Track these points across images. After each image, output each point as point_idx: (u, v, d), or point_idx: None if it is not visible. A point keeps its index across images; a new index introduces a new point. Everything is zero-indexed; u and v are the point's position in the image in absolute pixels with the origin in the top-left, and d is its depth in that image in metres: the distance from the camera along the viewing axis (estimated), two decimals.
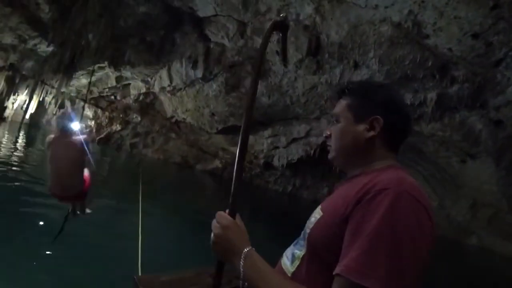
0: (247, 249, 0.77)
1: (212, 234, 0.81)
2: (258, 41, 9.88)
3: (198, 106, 12.88)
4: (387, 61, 6.91)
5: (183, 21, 10.44)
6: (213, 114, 12.96)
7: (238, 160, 0.90)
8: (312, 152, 11.66)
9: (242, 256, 0.76)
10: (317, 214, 0.86)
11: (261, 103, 11.58)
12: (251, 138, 13.90)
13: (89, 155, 3.40)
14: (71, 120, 3.58)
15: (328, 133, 0.97)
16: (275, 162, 13.23)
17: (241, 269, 0.75)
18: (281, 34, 1.06)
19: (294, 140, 12.20)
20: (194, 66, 11.53)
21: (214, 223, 0.82)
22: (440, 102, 7.12)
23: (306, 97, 10.38)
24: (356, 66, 7.86)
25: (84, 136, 3.49)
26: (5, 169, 7.10)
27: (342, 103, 0.92)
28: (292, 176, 13.74)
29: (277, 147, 12.89)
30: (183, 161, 15.04)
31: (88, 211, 3.76)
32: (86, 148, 3.39)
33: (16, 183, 6.15)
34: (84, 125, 14.67)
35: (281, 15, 1.01)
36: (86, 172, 3.49)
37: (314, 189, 13.55)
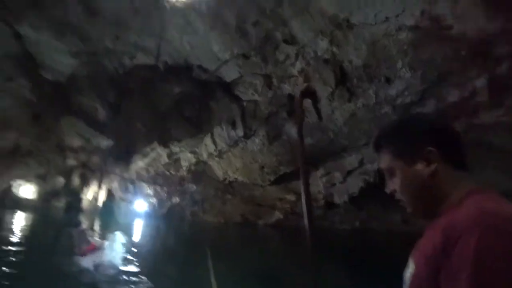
0: None
1: None
2: (286, 88, 10.23)
3: (246, 163, 13.19)
4: (418, 65, 6.60)
5: (214, 90, 11.36)
6: (262, 167, 13.11)
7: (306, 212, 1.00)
8: (372, 180, 10.93)
9: None
10: (410, 267, 0.78)
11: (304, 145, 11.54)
12: None
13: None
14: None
15: (392, 188, 0.90)
16: (336, 200, 12.59)
17: None
18: (310, 100, 1.15)
19: (350, 172, 11.64)
20: (234, 127, 12.14)
21: None
22: (493, 86, 6.39)
23: (348, 126, 10.13)
24: (388, 80, 7.62)
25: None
26: None
27: (385, 156, 0.87)
28: (357, 210, 12.83)
29: (334, 184, 12.36)
30: (243, 219, 14.99)
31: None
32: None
33: None
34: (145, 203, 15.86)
35: (304, 84, 1.10)
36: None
37: (384, 218, 12.38)
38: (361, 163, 11.13)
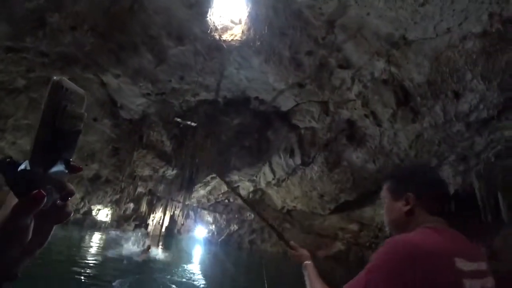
0: (306, 262, 1.48)
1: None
2: (344, 113, 10.04)
3: (305, 191, 12.90)
4: (493, 74, 5.95)
5: (271, 120, 11.63)
6: (322, 196, 12.67)
7: None
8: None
9: (303, 265, 1.47)
10: None
11: (368, 171, 10.93)
12: (369, 211, 12.65)
13: None
14: None
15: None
16: None
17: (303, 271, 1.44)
18: None
19: None
20: (292, 155, 12.13)
21: (290, 252, 1.61)
22: None
23: (415, 149, 9.38)
24: (457, 95, 6.99)
25: None
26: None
27: (384, 187, 1.17)
28: None
29: None
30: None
31: None
32: None
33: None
34: (205, 230, 16.31)
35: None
36: None
37: None
38: None
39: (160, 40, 8.76)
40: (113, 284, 6.14)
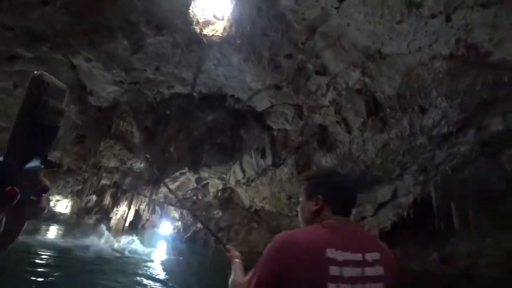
0: (235, 260, 1.61)
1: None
2: (317, 117, 10.31)
3: (274, 192, 13.07)
4: (455, 94, 6.44)
5: (245, 119, 11.66)
6: (290, 197, 12.90)
7: None
8: (405, 213, 10.33)
9: (232, 263, 1.59)
10: None
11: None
12: None
13: None
14: None
15: None
16: None
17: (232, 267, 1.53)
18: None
19: (382, 205, 11.12)
20: (263, 155, 12.23)
21: (224, 253, 1.78)
22: None
23: (381, 157, 9.85)
24: (422, 110, 7.46)
25: None
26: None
27: (302, 187, 1.35)
28: (389, 247, 11.97)
29: (364, 217, 11.80)
30: None
31: None
32: None
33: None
34: (171, 226, 15.96)
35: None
36: None
37: (420, 257, 11.46)
38: (394, 195, 10.63)
39: (138, 27, 8.46)
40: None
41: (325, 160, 11.14)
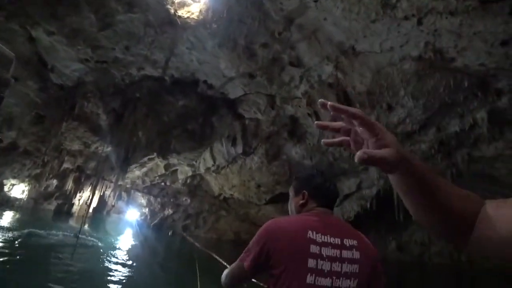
0: None
1: None
2: (289, 108, 10.42)
3: (243, 181, 13.15)
4: (420, 94, 6.79)
5: (217, 106, 11.49)
6: (259, 186, 13.06)
7: None
8: (368, 205, 10.90)
9: None
10: None
11: (304, 166, 11.57)
12: None
13: None
14: None
15: None
16: None
17: None
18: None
19: (347, 196, 11.62)
20: (234, 143, 12.20)
21: None
22: (493, 118, 6.61)
23: (348, 150, 10.21)
24: (390, 108, 7.79)
25: None
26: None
27: (291, 186, 1.48)
28: None
29: None
30: (236, 237, 14.78)
31: None
32: None
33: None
34: (138, 213, 15.55)
35: None
36: None
37: (379, 245, 12.25)
38: (359, 187, 11.14)
39: (107, 1, 7.93)
40: None
41: (295, 151, 11.37)
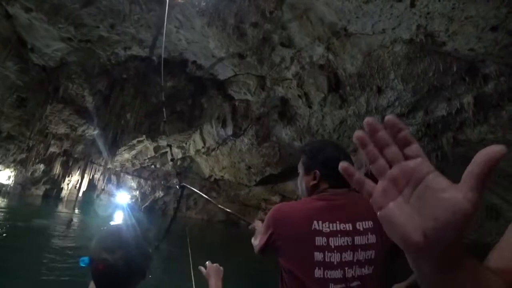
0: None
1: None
2: (279, 90, 10.35)
3: (234, 162, 13.21)
4: (410, 78, 6.84)
5: (207, 87, 11.31)
6: (249, 167, 13.15)
7: None
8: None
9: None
10: None
11: (294, 148, 11.65)
12: (291, 184, 13.70)
13: None
14: None
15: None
16: None
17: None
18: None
19: None
20: (224, 125, 12.12)
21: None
22: (479, 103, 6.77)
23: (338, 132, 10.32)
24: (380, 91, 7.84)
25: None
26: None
27: (300, 164, 1.37)
28: None
29: None
30: (227, 218, 15.04)
31: None
32: None
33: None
34: (128, 196, 15.54)
35: None
36: None
37: None
38: None
39: None
40: None
41: (285, 133, 11.41)
